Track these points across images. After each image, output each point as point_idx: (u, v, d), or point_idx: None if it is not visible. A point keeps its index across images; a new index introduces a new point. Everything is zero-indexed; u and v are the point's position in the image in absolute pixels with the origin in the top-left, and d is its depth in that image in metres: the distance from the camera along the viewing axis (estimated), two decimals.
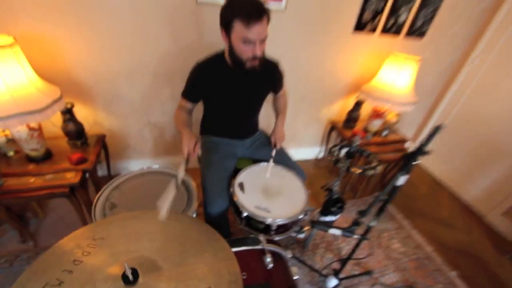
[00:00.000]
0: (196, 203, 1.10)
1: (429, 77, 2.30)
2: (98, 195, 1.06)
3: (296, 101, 2.07)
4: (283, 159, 1.40)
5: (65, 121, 1.42)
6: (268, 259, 0.95)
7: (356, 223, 1.11)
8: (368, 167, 1.15)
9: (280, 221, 1.09)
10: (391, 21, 1.86)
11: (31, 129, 1.27)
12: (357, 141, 1.21)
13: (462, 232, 1.96)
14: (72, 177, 1.33)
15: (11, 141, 1.35)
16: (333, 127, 2.19)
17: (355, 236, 1.12)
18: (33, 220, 1.57)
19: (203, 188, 1.24)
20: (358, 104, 2.03)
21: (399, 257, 1.69)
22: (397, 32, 1.93)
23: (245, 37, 1.01)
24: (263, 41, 1.06)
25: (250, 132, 1.46)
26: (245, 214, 1.12)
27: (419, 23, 1.92)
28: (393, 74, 1.77)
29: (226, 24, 1.04)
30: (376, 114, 1.96)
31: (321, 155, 2.50)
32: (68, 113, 1.40)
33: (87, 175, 1.42)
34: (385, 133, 2.06)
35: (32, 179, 1.29)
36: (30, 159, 1.35)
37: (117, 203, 1.06)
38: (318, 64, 1.93)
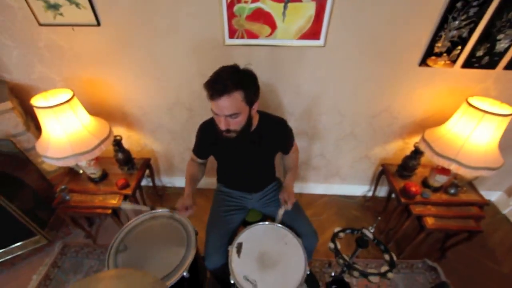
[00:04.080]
0: (189, 261, 1.16)
1: None
2: (116, 236, 1.24)
3: (338, 137, 1.83)
4: (292, 219, 1.30)
5: (115, 151, 1.69)
6: None
7: None
8: (371, 273, 0.95)
9: None
10: (481, 51, 1.37)
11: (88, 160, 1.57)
12: (369, 233, 1.00)
13: None
14: (115, 201, 1.60)
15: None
16: (383, 170, 1.86)
17: None
18: (97, 220, 1.99)
19: (205, 241, 1.29)
20: (417, 152, 1.64)
21: None
22: (492, 65, 1.41)
23: (211, 108, 0.99)
24: (231, 116, 0.97)
25: (259, 187, 1.40)
26: (232, 281, 1.12)
27: None
28: (467, 127, 1.34)
29: None
30: (441, 169, 1.55)
31: (370, 194, 2.18)
32: (117, 145, 1.66)
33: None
34: (453, 191, 1.61)
35: (89, 198, 1.63)
36: (91, 179, 1.69)
37: (128, 246, 1.22)
38: (368, 101, 1.63)
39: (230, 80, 0.92)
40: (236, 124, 1.02)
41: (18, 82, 1.64)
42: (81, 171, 1.75)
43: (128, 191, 1.64)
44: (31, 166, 1.72)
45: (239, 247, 1.22)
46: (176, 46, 1.46)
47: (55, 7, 1.34)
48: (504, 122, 1.26)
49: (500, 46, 1.35)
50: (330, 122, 1.75)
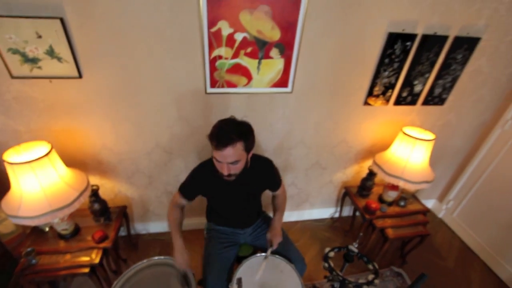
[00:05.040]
0: None
1: (455, 138, 2.17)
2: None
3: (307, 167, 2.08)
4: (283, 248, 1.41)
5: (91, 202, 1.60)
6: None
7: None
8: (362, 283, 1.12)
9: None
10: (405, 93, 1.81)
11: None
12: (354, 249, 1.18)
13: None
14: (94, 256, 1.49)
15: None
16: (346, 192, 2.14)
17: None
18: (62, 283, 1.77)
19: (204, 281, 1.30)
20: (371, 174, 1.97)
21: None
22: (413, 102, 1.87)
23: (215, 157, 1.12)
24: (233, 163, 1.11)
25: (250, 221, 1.50)
26: None
27: (437, 92, 1.85)
28: (406, 151, 1.71)
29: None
30: (391, 186, 1.88)
31: (336, 215, 2.43)
32: (94, 195, 1.59)
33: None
34: (402, 203, 1.95)
35: (60, 258, 1.48)
36: (61, 236, 1.55)
37: None
38: (328, 135, 1.93)
39: (233, 133, 1.06)
40: (237, 169, 1.15)
41: None
42: (47, 229, 1.59)
43: (107, 244, 1.55)
44: None
45: (239, 283, 1.27)
46: (159, 94, 1.55)
47: (33, 61, 1.34)
48: (430, 145, 1.66)
49: (417, 89, 1.81)
50: (299, 154, 1.99)
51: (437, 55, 1.68)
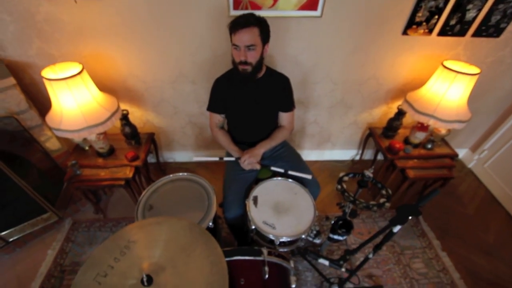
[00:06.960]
0: (213, 213, 1.29)
1: (506, 79, 1.92)
2: (140, 197, 1.34)
3: (331, 105, 2.01)
4: (298, 170, 1.46)
5: (122, 125, 1.73)
6: (266, 269, 1.10)
7: (343, 258, 1.16)
8: (373, 204, 1.14)
9: (282, 239, 1.22)
10: (454, 20, 1.58)
11: (98, 133, 1.61)
12: (369, 174, 1.19)
13: (504, 264, 1.76)
14: (127, 172, 1.67)
15: (85, 139, 1.73)
16: (370, 133, 2.08)
17: (343, 269, 1.18)
18: (104, 196, 2.04)
19: (223, 196, 1.43)
20: (400, 113, 1.86)
21: (417, 278, 1.66)
22: (462, 32, 1.63)
23: (233, 43, 1.22)
24: (249, 48, 1.20)
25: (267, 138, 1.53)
26: (253, 227, 1.28)
27: (494, 20, 1.58)
28: (443, 87, 1.56)
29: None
30: (421, 126, 1.78)
31: (357, 157, 2.42)
32: (124, 119, 1.71)
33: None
34: (429, 146, 1.87)
35: (99, 171, 1.68)
36: (99, 154, 1.73)
37: (153, 205, 1.32)
38: (357, 69, 1.80)
39: (251, 18, 1.17)
40: (252, 57, 1.23)
41: (13, 60, 1.60)
42: (87, 148, 1.78)
43: (139, 163, 1.71)
44: (35, 145, 1.72)
45: (255, 200, 1.37)
46: (181, 18, 1.51)
47: None
48: (472, 81, 1.50)
49: (469, 15, 1.56)
50: (324, 90, 1.91)
51: None
